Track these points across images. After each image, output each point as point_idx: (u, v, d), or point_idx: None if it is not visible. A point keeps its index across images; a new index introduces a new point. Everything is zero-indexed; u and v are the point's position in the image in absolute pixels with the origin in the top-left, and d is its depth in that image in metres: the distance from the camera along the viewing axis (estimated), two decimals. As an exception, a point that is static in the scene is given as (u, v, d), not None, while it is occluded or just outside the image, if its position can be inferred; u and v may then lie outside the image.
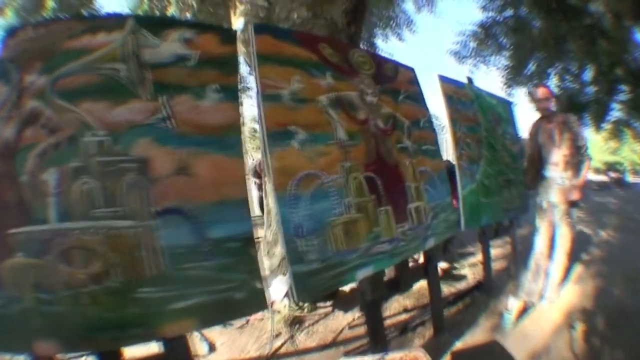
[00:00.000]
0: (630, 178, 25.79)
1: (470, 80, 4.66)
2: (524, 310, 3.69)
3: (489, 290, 4.29)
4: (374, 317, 2.81)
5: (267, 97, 2.19)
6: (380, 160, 2.80)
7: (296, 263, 2.04)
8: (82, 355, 2.60)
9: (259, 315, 3.67)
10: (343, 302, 4.05)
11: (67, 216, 1.67)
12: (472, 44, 9.64)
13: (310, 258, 2.11)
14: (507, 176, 4.59)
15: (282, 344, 3.29)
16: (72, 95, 1.78)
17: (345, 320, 3.73)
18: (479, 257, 5.22)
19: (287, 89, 2.27)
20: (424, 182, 3.24)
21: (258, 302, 1.93)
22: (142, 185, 1.73)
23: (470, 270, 5.09)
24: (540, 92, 4.18)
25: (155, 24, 2.00)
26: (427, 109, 3.62)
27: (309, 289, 2.12)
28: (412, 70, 3.62)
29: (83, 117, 1.74)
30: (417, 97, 3.53)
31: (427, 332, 3.47)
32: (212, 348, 3.23)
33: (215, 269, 1.79)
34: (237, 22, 4.25)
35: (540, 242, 4.03)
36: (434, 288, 3.52)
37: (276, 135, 2.15)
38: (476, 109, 4.42)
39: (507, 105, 5.23)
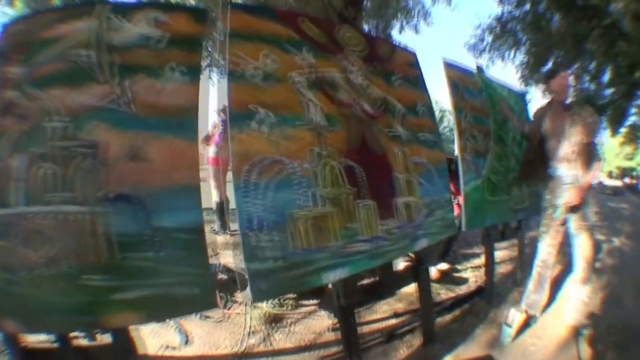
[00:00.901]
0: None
1: (480, 68, 4.09)
2: (526, 324, 3.17)
3: (490, 297, 3.75)
4: (347, 325, 2.41)
5: (235, 76, 1.99)
6: (364, 147, 2.45)
7: (252, 260, 1.81)
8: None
9: (238, 309, 3.42)
10: (330, 302, 3.49)
11: (30, 200, 1.65)
12: (489, 38, 9.02)
13: (269, 255, 1.86)
14: (517, 173, 4.04)
15: (257, 343, 3.00)
16: (42, 83, 1.75)
17: (328, 322, 3.33)
18: (484, 259, 4.66)
19: (258, 67, 2.05)
20: (417, 175, 2.84)
21: (207, 299, 1.75)
22: (96, 170, 1.65)
23: (473, 273, 4.53)
24: (559, 82, 3.30)
25: (125, 7, 1.91)
26: (427, 94, 3.20)
27: (268, 289, 1.87)
28: (412, 53, 3.24)
29: (49, 104, 1.71)
30: (416, 82, 3.13)
31: (416, 340, 3.03)
32: (187, 340, 2.98)
33: (162, 261, 1.64)
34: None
35: (543, 250, 3.33)
36: (424, 295, 3.03)
37: (239, 116, 1.94)
38: (485, 99, 3.89)
39: (520, 97, 4.65)
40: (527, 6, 8.66)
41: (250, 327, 3.14)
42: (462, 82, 3.63)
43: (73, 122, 1.70)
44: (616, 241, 6.30)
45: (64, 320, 1.64)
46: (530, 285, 3.35)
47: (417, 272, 2.97)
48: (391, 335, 3.10)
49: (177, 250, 1.67)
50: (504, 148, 3.94)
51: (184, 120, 1.80)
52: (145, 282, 1.63)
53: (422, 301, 3.03)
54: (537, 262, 3.32)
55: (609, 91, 10.78)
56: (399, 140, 2.75)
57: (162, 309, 1.69)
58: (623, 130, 12.16)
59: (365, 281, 3.12)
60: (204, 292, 1.72)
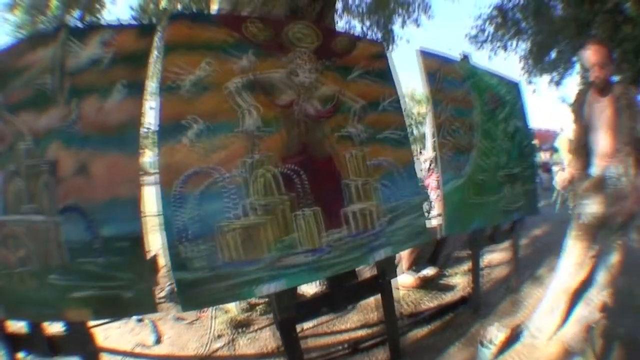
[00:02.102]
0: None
1: (465, 56, 3.54)
2: (509, 342, 2.59)
3: (476, 307, 3.21)
4: (287, 340, 2.19)
5: (167, 88, 1.88)
6: (306, 151, 2.18)
7: (179, 270, 1.78)
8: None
9: (210, 312, 3.25)
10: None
11: (7, 210, 1.85)
12: (490, 29, 8.36)
13: (196, 265, 1.80)
14: (509, 170, 3.49)
15: (221, 347, 2.88)
16: (15, 108, 1.88)
17: (298, 328, 2.88)
18: (485, 260, 4.14)
19: (191, 77, 1.92)
20: (377, 178, 2.41)
21: (147, 302, 1.79)
22: (53, 185, 1.78)
23: (462, 279, 3.93)
24: (595, 53, 2.41)
25: (82, 31, 1.96)
26: (394, 88, 2.70)
27: (196, 299, 1.85)
28: (379, 44, 2.91)
29: (19, 127, 1.85)
30: (381, 75, 2.65)
31: (384, 354, 2.65)
32: (158, 340, 2.96)
33: (105, 266, 1.73)
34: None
35: (565, 270, 2.58)
36: (388, 308, 2.56)
37: (169, 129, 1.86)
38: (469, 89, 3.31)
39: (514, 86, 4.03)
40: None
41: (214, 331, 3.02)
42: (441, 71, 3.08)
43: (37, 142, 1.82)
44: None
45: (34, 311, 1.85)
46: (544, 306, 2.69)
47: (378, 284, 2.51)
48: (355, 348, 2.71)
49: (119, 256, 1.74)
50: (492, 143, 3.38)
51: (125, 135, 1.82)
52: (94, 284, 1.73)
53: (386, 315, 2.58)
54: (554, 283, 2.68)
55: (615, 79, 10.02)
56: (351, 141, 2.37)
57: (108, 309, 1.82)
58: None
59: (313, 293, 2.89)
60: (143, 296, 1.77)
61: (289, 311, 2.12)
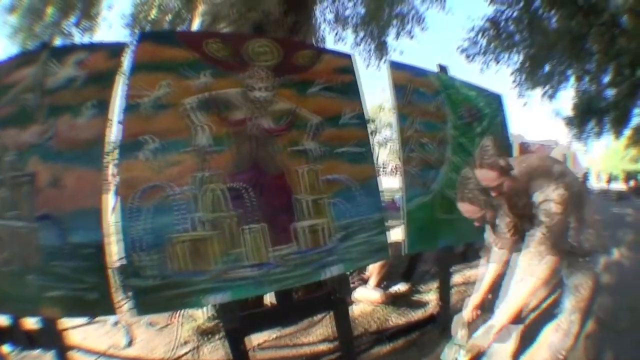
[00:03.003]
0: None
1: (443, 68, 3.35)
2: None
3: (444, 326, 3.00)
4: (234, 351, 2.14)
5: (130, 107, 1.96)
6: (257, 167, 2.16)
7: (134, 277, 1.86)
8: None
9: (180, 318, 3.21)
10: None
11: None
12: (482, 41, 8.16)
13: (149, 274, 1.87)
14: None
15: (186, 353, 2.83)
16: (1, 123, 2.03)
17: (260, 339, 2.93)
18: (456, 278, 3.95)
19: (151, 95, 1.98)
20: (331, 194, 2.31)
21: (108, 305, 1.87)
22: (30, 194, 1.91)
23: (435, 296, 3.71)
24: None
25: (61, 52, 2.08)
26: (359, 102, 2.60)
27: (149, 305, 1.92)
28: (347, 56, 2.70)
29: (4, 140, 2.00)
30: (345, 88, 2.56)
31: None
32: (130, 343, 2.96)
33: (74, 269, 1.83)
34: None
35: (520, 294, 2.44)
36: (341, 325, 2.44)
37: (129, 145, 1.93)
38: (442, 102, 3.17)
39: (495, 99, 3.85)
40: (521, 3, 7.75)
41: (181, 338, 2.96)
42: (411, 83, 2.96)
43: (19, 156, 1.96)
44: (615, 253, 5.33)
45: (16, 307, 1.99)
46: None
47: (331, 300, 2.39)
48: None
49: (84, 261, 1.84)
50: (466, 157, 3.19)
51: (92, 151, 1.91)
52: (64, 285, 1.84)
53: (339, 333, 2.46)
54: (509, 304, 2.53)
55: (610, 92, 9.80)
56: (306, 156, 2.30)
57: (75, 308, 1.92)
58: (627, 132, 11.05)
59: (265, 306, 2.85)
60: (104, 299, 1.85)
61: (234, 323, 2.12)
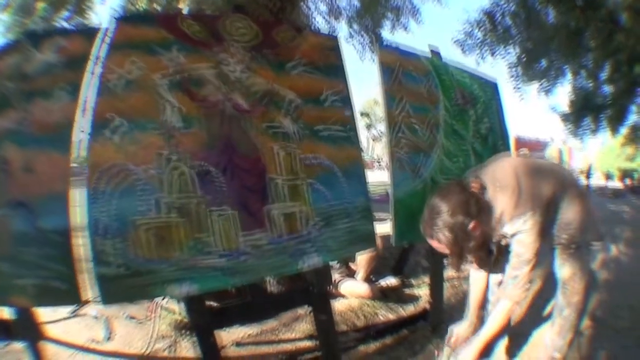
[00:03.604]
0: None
1: (435, 52, 3.13)
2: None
3: (435, 323, 2.79)
4: (203, 347, 1.94)
5: (101, 89, 1.82)
6: (228, 148, 1.97)
7: (98, 264, 1.69)
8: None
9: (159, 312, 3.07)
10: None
11: None
12: (478, 33, 7.89)
13: (113, 261, 1.70)
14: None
15: (163, 348, 2.68)
16: None
17: (240, 334, 2.73)
18: (449, 271, 3.69)
19: (123, 76, 1.84)
20: (310, 177, 2.11)
21: (75, 295, 1.74)
22: (5, 181, 1.80)
23: (429, 290, 3.51)
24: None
25: (39, 37, 1.96)
26: (344, 83, 2.41)
27: (114, 294, 1.74)
28: (332, 37, 2.59)
29: None
30: (329, 68, 2.37)
31: None
32: (109, 336, 2.80)
33: (43, 257, 1.71)
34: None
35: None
36: (321, 322, 2.20)
37: (98, 127, 1.78)
38: (433, 84, 2.95)
39: (490, 85, 3.63)
40: (518, -1, 7.54)
41: (158, 332, 2.81)
42: (401, 65, 2.73)
43: None
44: (613, 249, 5.08)
45: None
46: None
47: (309, 295, 2.16)
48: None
49: (52, 249, 1.72)
50: (459, 142, 3.00)
51: (61, 135, 1.80)
52: (34, 273, 1.72)
53: (319, 330, 2.23)
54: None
55: (607, 89, 9.55)
56: (284, 136, 2.12)
57: (45, 298, 1.77)
58: (624, 130, 10.81)
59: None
60: (72, 288, 1.73)
61: (200, 317, 1.93)
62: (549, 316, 2.50)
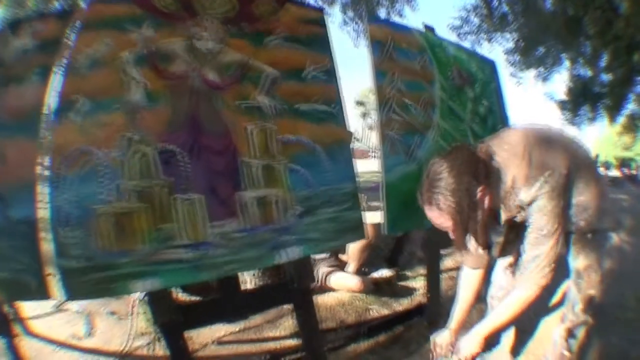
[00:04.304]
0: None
1: (429, 28, 2.84)
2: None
3: (432, 318, 2.53)
4: (171, 347, 1.74)
5: (68, 69, 1.63)
6: (195, 126, 1.74)
7: (60, 256, 1.51)
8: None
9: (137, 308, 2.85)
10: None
11: None
12: (475, 19, 7.64)
13: (74, 253, 1.51)
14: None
15: (143, 345, 2.55)
16: None
17: (220, 332, 2.57)
18: (448, 262, 3.45)
19: (91, 54, 1.64)
20: (288, 158, 1.85)
21: (43, 289, 1.57)
22: None
23: (425, 283, 3.26)
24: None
25: (17, 23, 1.81)
26: (328, 56, 2.15)
27: (76, 290, 1.54)
28: (316, 10, 2.34)
29: None
30: (312, 41, 2.11)
31: None
32: (90, 332, 2.67)
33: (13, 249, 1.58)
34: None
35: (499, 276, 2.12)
36: (304, 320, 1.97)
37: (63, 108, 1.59)
38: (428, 61, 2.67)
39: (488, 64, 3.35)
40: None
41: (137, 329, 2.64)
42: (392, 39, 2.46)
43: None
44: (615, 238, 4.84)
45: None
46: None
47: (289, 291, 1.91)
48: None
49: (21, 241, 1.58)
50: (457, 123, 2.75)
51: (30, 120, 1.63)
52: (4, 266, 1.59)
53: (302, 329, 2.00)
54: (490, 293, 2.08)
55: (606, 77, 9.31)
56: (258, 113, 1.85)
57: (16, 292, 1.66)
58: (621, 119, 10.59)
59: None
60: (38, 283, 1.57)
61: (167, 315, 1.69)
62: (555, 307, 2.24)
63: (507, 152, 1.52)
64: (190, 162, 1.67)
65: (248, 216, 1.72)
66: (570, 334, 1.85)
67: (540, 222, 1.45)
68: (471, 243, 1.69)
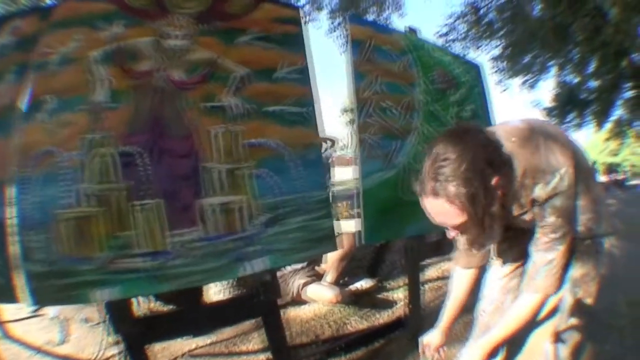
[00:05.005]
0: (631, 180, 22.95)
1: (412, 30, 2.75)
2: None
3: (415, 331, 2.39)
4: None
5: (38, 67, 1.58)
6: (156, 127, 1.65)
7: (25, 260, 1.46)
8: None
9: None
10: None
11: None
12: (462, 27, 7.64)
13: (37, 257, 1.46)
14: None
15: (113, 356, 2.42)
16: None
17: (191, 344, 2.48)
18: (430, 272, 3.34)
19: (60, 52, 1.58)
20: (254, 163, 1.75)
21: (9, 292, 1.50)
22: None
23: (407, 294, 3.15)
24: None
25: (2, 20, 1.77)
26: (302, 55, 2.05)
27: (41, 295, 1.49)
28: (292, 8, 2.25)
29: None
30: (286, 40, 2.02)
31: None
32: (64, 340, 2.66)
33: None
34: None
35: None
36: (272, 336, 1.85)
37: (30, 108, 1.56)
38: (410, 63, 2.57)
39: (473, 68, 3.26)
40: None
41: (110, 338, 2.43)
42: (373, 39, 2.37)
43: None
44: (606, 243, 4.79)
45: None
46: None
47: (255, 304, 1.81)
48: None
49: None
50: (440, 128, 2.63)
51: (7, 119, 1.59)
52: None
53: (271, 345, 1.88)
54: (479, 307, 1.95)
55: (593, 84, 9.39)
56: (223, 114, 1.75)
57: None
58: (608, 125, 10.70)
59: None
60: (7, 285, 1.50)
61: (128, 326, 1.62)
62: (547, 318, 2.13)
63: (514, 143, 1.36)
64: (150, 166, 1.58)
65: (210, 224, 1.62)
66: (558, 338, 1.73)
67: (556, 224, 1.28)
68: (461, 242, 1.57)
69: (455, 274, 1.76)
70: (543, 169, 1.28)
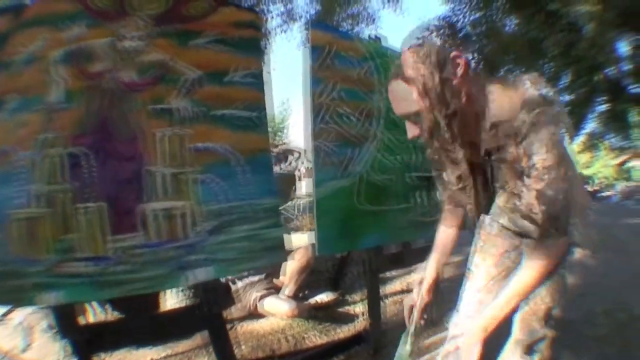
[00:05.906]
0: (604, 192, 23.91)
1: (377, 38, 2.83)
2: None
3: (376, 346, 2.43)
4: None
5: (4, 65, 1.58)
6: (104, 129, 1.65)
7: None
8: None
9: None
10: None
11: None
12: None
13: None
14: (424, 172, 2.71)
15: None
16: None
17: (146, 357, 2.47)
18: (392, 285, 3.36)
19: (24, 52, 1.59)
20: (200, 168, 1.75)
21: None
22: None
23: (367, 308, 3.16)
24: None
25: None
26: (258, 60, 2.09)
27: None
28: (252, 12, 2.49)
29: None
30: (242, 43, 2.04)
31: None
32: (27, 347, 2.64)
33: None
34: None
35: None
36: (219, 351, 1.81)
37: None
38: (370, 70, 2.60)
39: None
40: (480, 4, 7.52)
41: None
42: (333, 46, 2.40)
43: None
44: (577, 252, 4.89)
45: None
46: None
47: (199, 317, 1.78)
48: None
49: None
50: (401, 136, 2.65)
51: None
52: None
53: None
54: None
55: (567, 97, 9.74)
56: (170, 117, 1.76)
57: None
58: (581, 138, 11.11)
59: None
60: None
61: (73, 333, 1.58)
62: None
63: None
64: (95, 168, 1.57)
65: (152, 230, 1.61)
66: (529, 350, 1.68)
67: (546, 162, 1.11)
68: (445, 200, 1.59)
69: (440, 229, 1.73)
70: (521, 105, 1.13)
